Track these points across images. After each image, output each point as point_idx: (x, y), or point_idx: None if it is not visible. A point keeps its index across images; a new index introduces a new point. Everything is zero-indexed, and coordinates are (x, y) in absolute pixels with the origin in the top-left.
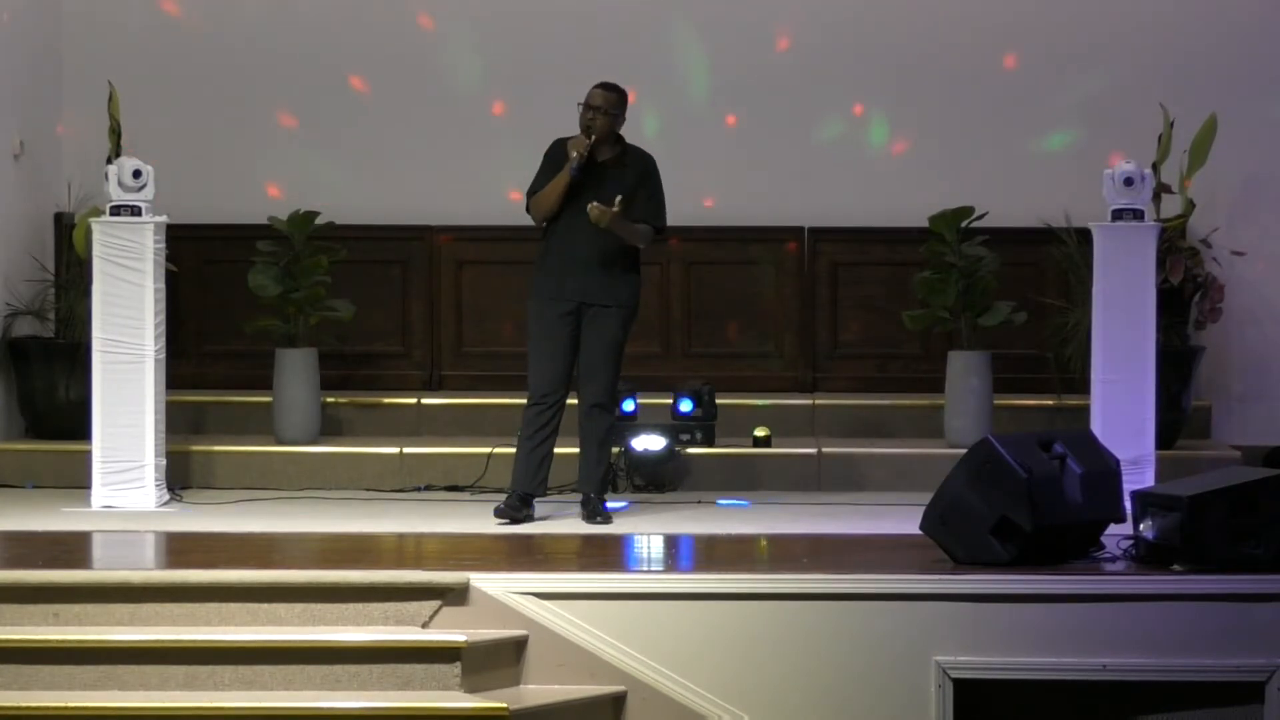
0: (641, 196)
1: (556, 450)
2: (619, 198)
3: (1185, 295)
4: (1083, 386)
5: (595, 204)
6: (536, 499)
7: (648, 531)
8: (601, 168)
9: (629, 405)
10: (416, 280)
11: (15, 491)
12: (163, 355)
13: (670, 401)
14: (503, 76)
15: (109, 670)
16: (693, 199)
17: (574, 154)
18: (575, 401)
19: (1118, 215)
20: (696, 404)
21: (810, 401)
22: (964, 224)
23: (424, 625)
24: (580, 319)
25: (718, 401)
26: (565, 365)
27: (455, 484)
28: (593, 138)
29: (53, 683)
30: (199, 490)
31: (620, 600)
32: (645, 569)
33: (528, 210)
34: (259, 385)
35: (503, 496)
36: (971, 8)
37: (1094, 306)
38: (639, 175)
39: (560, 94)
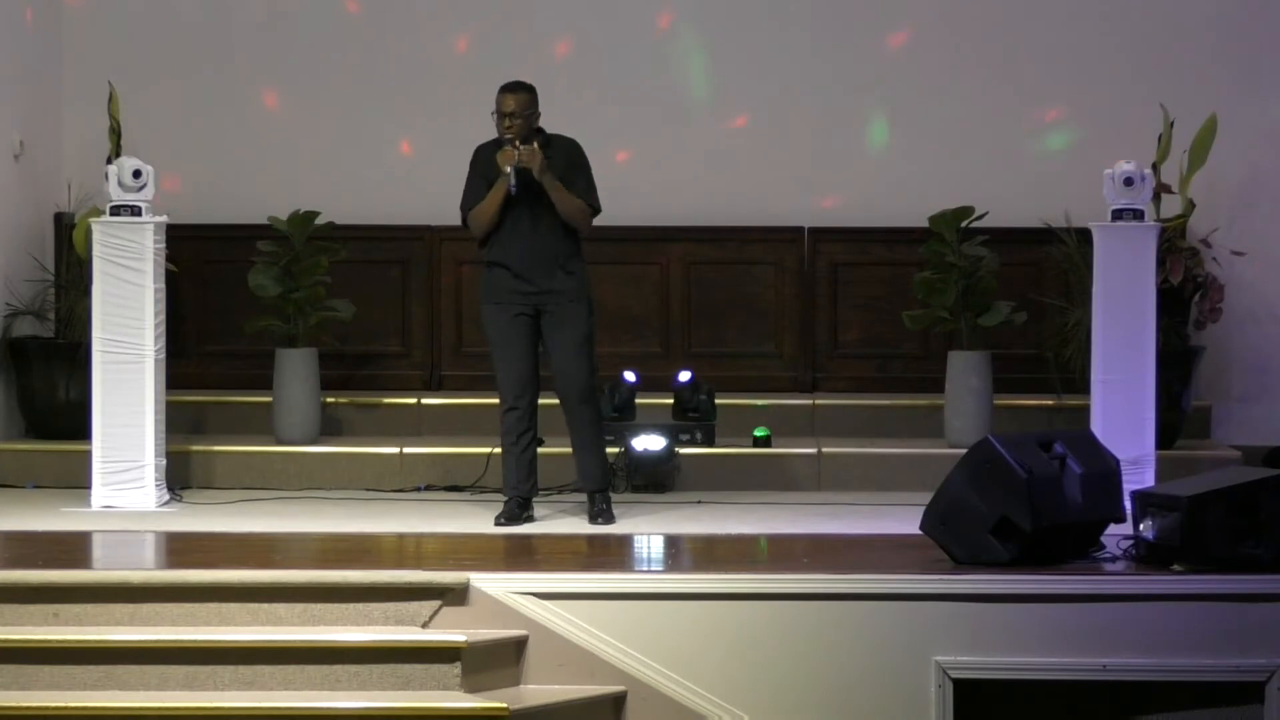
0: (573, 179)
1: (551, 450)
2: (535, 144)
3: (1185, 295)
4: (1083, 386)
5: (515, 145)
6: (534, 499)
7: (648, 531)
8: (527, 166)
9: (630, 375)
10: (416, 280)
11: (15, 491)
12: (163, 355)
13: (670, 402)
14: (505, 76)
15: (109, 670)
16: (694, 199)
17: (507, 169)
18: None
19: (1118, 215)
20: (694, 378)
21: (810, 401)
22: (964, 224)
23: (424, 625)
24: (538, 319)
25: (718, 401)
26: (530, 366)
27: (455, 484)
28: (519, 146)
29: (53, 683)
30: (199, 490)
31: (620, 600)
32: (645, 569)
33: (465, 224)
34: (259, 385)
35: (502, 497)
36: (972, 7)
37: (1094, 306)
38: (566, 162)
39: (562, 93)
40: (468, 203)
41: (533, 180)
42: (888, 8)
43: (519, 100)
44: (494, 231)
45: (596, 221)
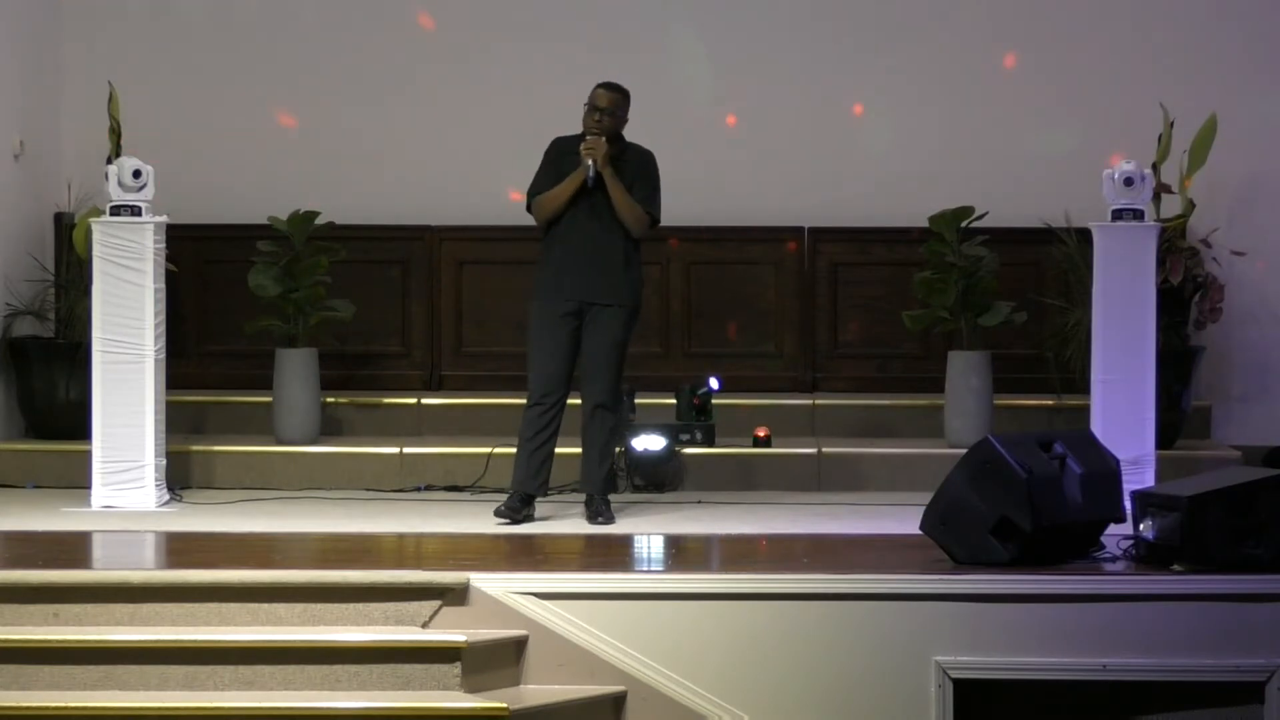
0: (637, 185)
1: (558, 450)
2: (604, 139)
3: (1185, 295)
4: (1083, 386)
5: (589, 139)
6: (538, 499)
7: (648, 531)
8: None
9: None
10: (416, 280)
11: (15, 491)
12: (163, 355)
13: (673, 401)
14: (503, 76)
15: (109, 670)
16: (694, 199)
17: (589, 162)
18: (578, 402)
19: (1118, 215)
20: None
21: (810, 401)
22: (964, 224)
23: (424, 625)
24: (581, 318)
25: (717, 401)
26: (566, 365)
27: (455, 484)
28: (605, 143)
29: (53, 683)
30: (199, 490)
31: (620, 600)
32: (645, 569)
33: (529, 210)
34: (259, 385)
35: (503, 496)
36: (972, 7)
37: (1094, 306)
38: (636, 168)
39: (560, 93)
40: (535, 189)
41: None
42: (888, 8)
43: (612, 98)
44: (555, 223)
45: None
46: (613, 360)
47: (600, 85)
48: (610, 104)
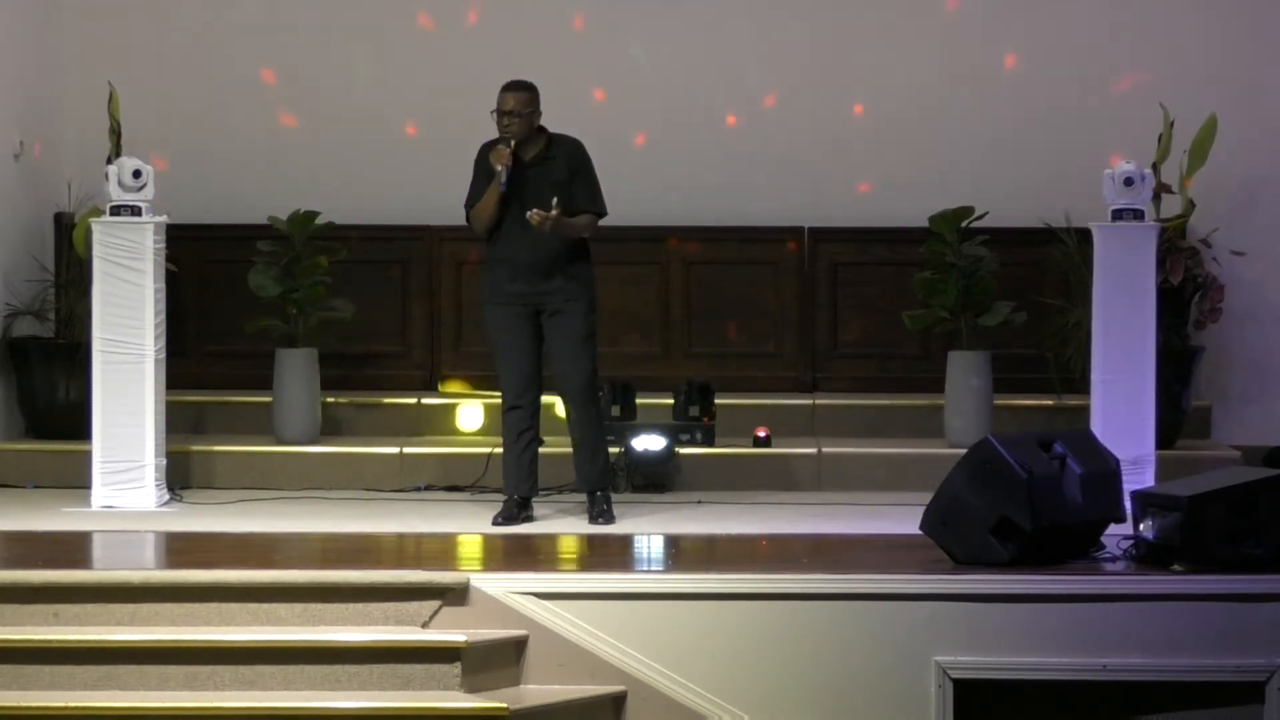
0: (577, 186)
1: (552, 450)
2: (555, 200)
3: (1185, 295)
4: (1083, 386)
5: (534, 212)
6: (534, 499)
7: (648, 531)
8: (529, 166)
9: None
10: (416, 280)
11: (15, 491)
12: (163, 355)
13: (670, 401)
14: (504, 76)
15: (109, 670)
16: (694, 199)
17: (499, 168)
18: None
19: (1118, 215)
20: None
21: (810, 401)
22: (964, 224)
23: (424, 625)
24: (538, 318)
25: (718, 401)
26: (532, 365)
27: (455, 484)
28: (512, 145)
29: (53, 683)
30: (199, 490)
31: (620, 600)
32: (645, 569)
33: (468, 222)
34: (259, 385)
35: (502, 497)
36: (972, 7)
37: (1094, 306)
38: (569, 165)
39: (560, 93)
40: (470, 200)
41: (526, 179)
42: (887, 7)
43: (519, 99)
44: (496, 228)
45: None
46: (581, 355)
47: (504, 87)
48: (517, 104)
